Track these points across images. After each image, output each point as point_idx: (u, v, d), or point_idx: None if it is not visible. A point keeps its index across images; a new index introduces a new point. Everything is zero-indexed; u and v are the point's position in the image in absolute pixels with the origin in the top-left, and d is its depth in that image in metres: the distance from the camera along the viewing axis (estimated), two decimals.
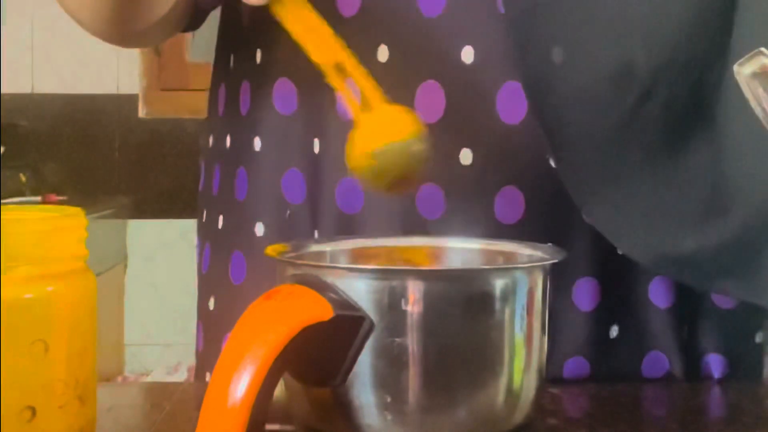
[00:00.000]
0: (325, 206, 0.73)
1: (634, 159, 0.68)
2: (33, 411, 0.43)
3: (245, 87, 0.77)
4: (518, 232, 0.67)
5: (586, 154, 0.67)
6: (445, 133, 0.69)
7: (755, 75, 0.49)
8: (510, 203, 0.68)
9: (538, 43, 0.66)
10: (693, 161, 0.68)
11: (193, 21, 0.83)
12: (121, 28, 0.77)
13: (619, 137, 0.67)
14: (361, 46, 0.70)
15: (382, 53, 0.69)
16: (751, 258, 0.66)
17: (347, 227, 0.71)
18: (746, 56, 0.49)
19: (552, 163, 0.67)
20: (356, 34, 0.70)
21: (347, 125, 0.71)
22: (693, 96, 0.68)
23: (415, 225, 0.69)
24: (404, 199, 0.70)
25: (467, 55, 0.68)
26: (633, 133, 0.67)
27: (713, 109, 0.67)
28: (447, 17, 0.68)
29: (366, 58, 0.69)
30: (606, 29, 0.66)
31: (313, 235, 0.73)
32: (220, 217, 0.81)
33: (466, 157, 0.68)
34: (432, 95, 0.69)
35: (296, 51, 0.73)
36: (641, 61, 0.66)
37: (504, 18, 0.66)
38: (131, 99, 2.81)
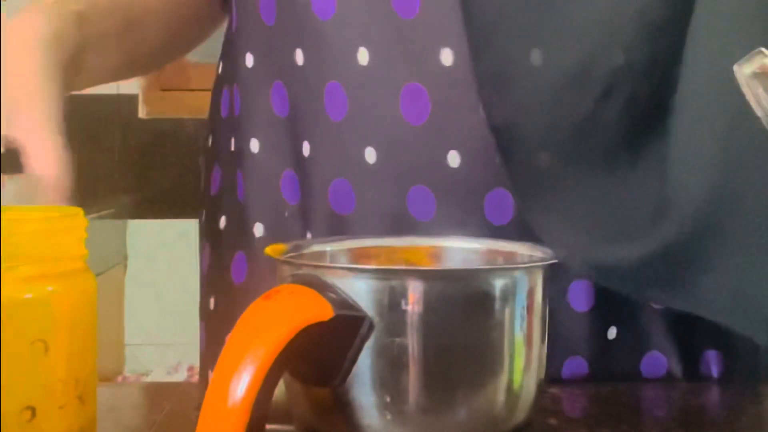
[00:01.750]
0: (317, 207, 0.73)
1: (590, 162, 0.67)
2: (33, 411, 0.43)
3: (237, 90, 0.78)
4: (509, 233, 0.67)
5: (540, 157, 0.67)
6: (432, 135, 0.69)
7: (755, 75, 0.49)
8: (499, 205, 0.69)
9: (499, 45, 0.66)
10: (646, 165, 0.68)
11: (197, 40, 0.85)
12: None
13: (577, 138, 0.67)
14: (341, 49, 0.70)
15: (363, 56, 0.69)
16: (682, 267, 0.66)
17: (339, 228, 0.71)
18: (746, 56, 0.49)
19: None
20: (335, 38, 0.70)
21: (336, 127, 0.71)
22: (652, 97, 0.68)
23: (406, 227, 0.69)
24: (396, 201, 0.70)
25: (446, 56, 0.68)
26: (591, 134, 0.67)
27: (668, 111, 0.68)
28: (422, 19, 0.68)
29: (348, 60, 0.70)
30: (565, 28, 0.66)
31: (305, 236, 0.73)
32: (222, 218, 0.81)
33: (453, 159, 0.68)
34: (416, 97, 0.68)
35: (286, 54, 0.73)
36: (603, 61, 0.66)
37: (465, 18, 0.66)
38: (131, 99, 2.81)
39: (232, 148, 0.80)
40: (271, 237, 0.75)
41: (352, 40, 0.69)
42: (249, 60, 0.76)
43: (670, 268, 0.66)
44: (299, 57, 0.72)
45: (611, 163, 0.68)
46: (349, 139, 0.70)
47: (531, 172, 0.67)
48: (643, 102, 0.68)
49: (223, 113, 0.82)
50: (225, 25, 0.85)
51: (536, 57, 0.66)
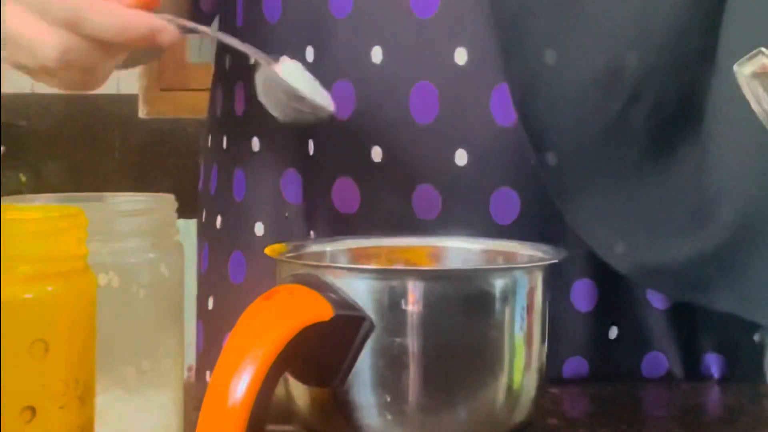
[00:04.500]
0: (321, 207, 0.73)
1: (621, 164, 0.68)
2: (33, 411, 0.43)
3: (240, 88, 0.78)
4: (514, 232, 0.67)
5: (573, 159, 0.67)
6: (439, 134, 0.69)
7: (755, 75, 0.49)
8: (505, 204, 0.69)
9: (528, 45, 0.66)
10: (679, 168, 0.68)
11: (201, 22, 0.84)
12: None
13: (607, 141, 0.67)
14: (355, 48, 0.70)
15: (376, 54, 0.69)
16: (730, 269, 0.67)
17: (343, 227, 0.71)
18: (746, 56, 0.49)
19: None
20: (350, 36, 0.70)
21: (342, 126, 0.71)
22: (681, 100, 0.68)
23: (411, 225, 0.69)
24: (401, 200, 0.70)
25: (460, 56, 0.68)
26: (621, 137, 0.67)
27: (701, 115, 0.67)
28: (439, 19, 0.68)
29: (360, 59, 0.70)
30: (594, 31, 0.66)
31: (308, 235, 0.73)
32: (218, 217, 0.81)
33: (461, 157, 0.68)
34: (426, 96, 0.69)
35: (293, 52, 0.73)
36: (631, 63, 0.66)
37: (492, 19, 0.66)
38: (131, 99, 2.81)
39: (224, 146, 0.80)
40: (272, 236, 0.75)
41: (366, 39, 0.69)
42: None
43: (713, 270, 0.67)
44: (309, 54, 0.72)
45: (640, 166, 0.68)
46: (356, 137, 0.70)
47: (566, 173, 0.67)
48: (671, 105, 0.68)
49: (218, 111, 0.82)
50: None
51: (550, 57, 0.66)
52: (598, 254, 0.68)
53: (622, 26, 0.66)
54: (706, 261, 0.67)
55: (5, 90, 2.66)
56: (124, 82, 2.80)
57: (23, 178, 2.57)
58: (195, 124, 2.74)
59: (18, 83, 2.79)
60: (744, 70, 0.49)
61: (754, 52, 0.49)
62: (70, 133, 2.79)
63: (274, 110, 0.63)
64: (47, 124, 2.76)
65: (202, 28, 0.64)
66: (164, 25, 0.59)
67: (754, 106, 0.50)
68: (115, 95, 2.79)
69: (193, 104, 2.71)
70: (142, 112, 2.83)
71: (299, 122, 0.63)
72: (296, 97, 0.62)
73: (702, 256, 0.67)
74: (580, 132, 0.67)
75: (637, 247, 0.68)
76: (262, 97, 0.63)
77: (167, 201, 0.55)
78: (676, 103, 0.68)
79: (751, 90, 0.49)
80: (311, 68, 0.72)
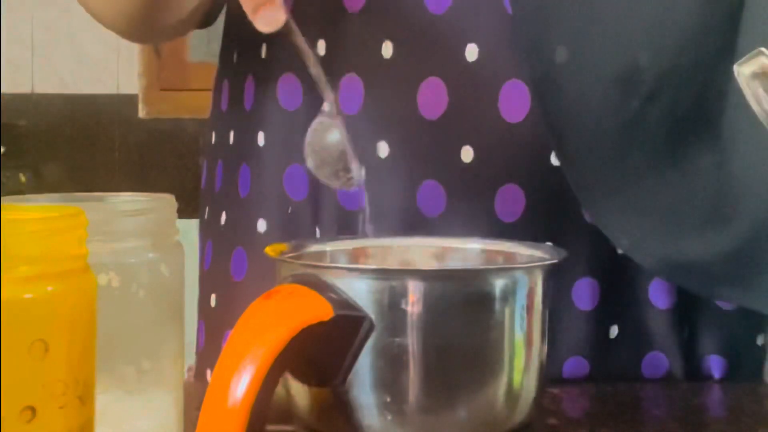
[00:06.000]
0: (326, 203, 0.73)
1: (638, 162, 0.68)
2: (33, 411, 0.43)
3: (249, 82, 0.77)
4: (518, 230, 0.67)
5: (591, 155, 0.67)
6: (446, 130, 0.69)
7: (755, 75, 0.49)
8: (510, 201, 0.69)
9: (544, 43, 0.66)
10: (697, 166, 0.68)
11: (207, 18, 0.84)
12: (146, 26, 0.77)
13: (624, 140, 0.67)
14: (365, 42, 0.70)
15: (387, 49, 0.69)
16: (754, 266, 0.66)
17: (348, 224, 0.71)
18: (746, 56, 0.49)
19: (556, 162, 0.67)
20: (361, 30, 0.70)
21: (349, 121, 0.71)
22: (698, 100, 0.68)
23: (415, 222, 0.69)
24: (406, 196, 0.70)
25: (471, 52, 0.68)
26: (637, 136, 0.67)
27: (718, 114, 0.67)
28: (452, 14, 0.68)
29: (371, 53, 0.70)
30: (612, 31, 0.66)
31: (314, 231, 0.73)
32: (223, 214, 0.81)
33: (467, 154, 0.68)
34: (435, 92, 0.69)
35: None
36: (646, 64, 0.66)
37: (511, 17, 0.67)
38: (131, 99, 2.81)
39: (231, 141, 0.80)
40: (275, 233, 0.75)
41: (378, 33, 0.70)
42: (263, 50, 0.76)
43: (740, 267, 0.67)
44: (321, 48, 0.72)
45: (657, 165, 0.68)
46: (362, 132, 0.70)
47: (585, 169, 0.67)
48: (688, 105, 0.68)
49: (223, 107, 0.82)
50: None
51: (561, 54, 0.66)
52: (620, 248, 0.68)
53: (639, 26, 0.66)
54: (727, 258, 0.67)
55: (5, 90, 2.67)
56: (124, 82, 2.80)
57: (23, 178, 2.57)
58: (195, 124, 2.74)
59: (18, 83, 2.79)
60: (744, 70, 0.49)
61: (754, 52, 0.49)
62: (70, 133, 2.79)
63: (313, 160, 0.60)
64: (47, 124, 2.76)
65: (304, 45, 0.60)
66: (280, 5, 0.57)
67: (754, 106, 0.50)
68: (115, 95, 2.79)
69: (193, 104, 2.71)
70: (142, 112, 2.82)
71: (328, 181, 0.61)
72: (344, 159, 0.60)
73: (723, 253, 0.67)
74: (596, 129, 0.67)
75: (658, 243, 0.68)
76: (309, 145, 0.61)
77: (167, 201, 0.56)
78: (694, 103, 0.68)
79: (751, 90, 0.49)
80: (321, 62, 0.72)
